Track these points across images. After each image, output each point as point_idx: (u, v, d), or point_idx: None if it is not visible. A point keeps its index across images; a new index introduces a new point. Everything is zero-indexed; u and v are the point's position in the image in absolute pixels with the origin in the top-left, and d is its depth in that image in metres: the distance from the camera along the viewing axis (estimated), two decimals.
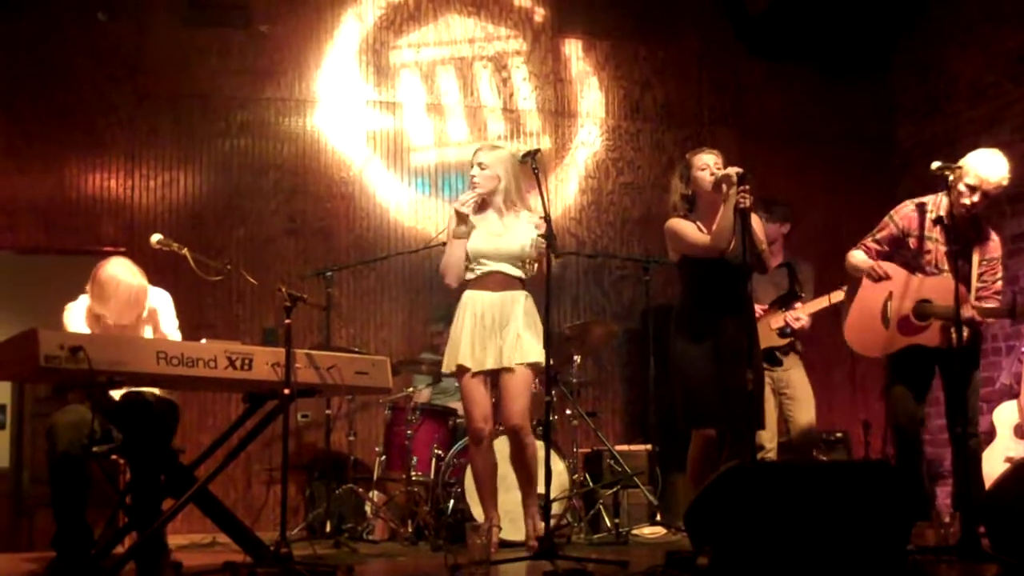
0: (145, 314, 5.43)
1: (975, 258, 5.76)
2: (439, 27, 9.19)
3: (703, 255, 5.43)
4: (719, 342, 5.34)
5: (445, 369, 5.82)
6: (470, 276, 5.77)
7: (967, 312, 5.61)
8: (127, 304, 5.28)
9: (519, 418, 5.66)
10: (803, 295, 6.79)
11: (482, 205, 5.85)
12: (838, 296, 6.45)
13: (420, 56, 9.12)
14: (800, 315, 6.67)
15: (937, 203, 5.84)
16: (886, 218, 6.00)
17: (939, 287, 5.63)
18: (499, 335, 5.66)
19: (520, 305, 5.74)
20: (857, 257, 6.03)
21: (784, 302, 6.71)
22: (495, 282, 5.73)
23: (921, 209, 5.90)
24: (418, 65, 9.11)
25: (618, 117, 9.47)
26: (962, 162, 5.69)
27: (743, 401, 5.12)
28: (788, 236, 7.16)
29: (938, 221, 5.78)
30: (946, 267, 5.70)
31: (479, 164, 5.84)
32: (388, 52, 9.05)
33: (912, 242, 5.87)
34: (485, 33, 9.27)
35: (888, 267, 5.89)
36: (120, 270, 5.29)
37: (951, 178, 5.56)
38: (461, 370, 5.69)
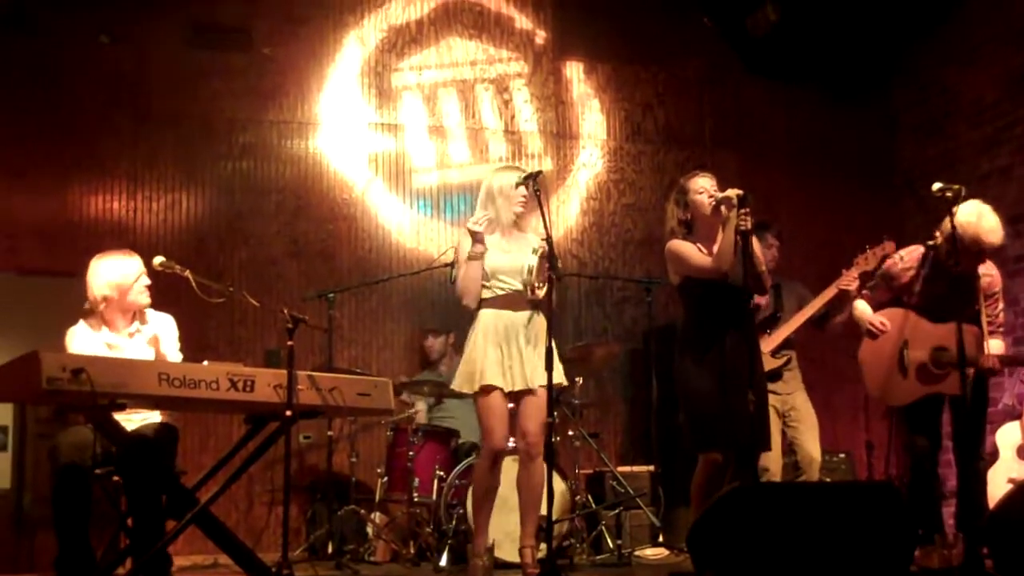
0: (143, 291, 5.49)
1: (980, 296, 5.72)
2: (441, 50, 9.22)
3: (706, 277, 5.41)
4: (724, 364, 5.32)
5: (466, 388, 5.64)
6: (487, 294, 5.67)
7: (987, 363, 5.60)
8: (123, 267, 5.40)
9: (538, 436, 5.62)
10: (781, 314, 6.78)
11: (490, 226, 5.79)
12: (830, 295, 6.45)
13: (422, 78, 9.16)
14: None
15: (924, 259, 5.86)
16: (877, 277, 6.02)
17: (954, 333, 5.59)
18: (525, 355, 5.60)
19: (536, 323, 5.68)
20: (859, 308, 6.08)
21: (765, 325, 6.71)
22: (515, 301, 5.65)
23: (924, 257, 5.88)
24: (420, 87, 9.14)
25: (619, 139, 9.50)
26: (963, 224, 5.63)
27: (747, 424, 5.11)
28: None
29: (935, 272, 5.77)
30: (944, 313, 5.68)
31: (525, 186, 5.79)
32: (390, 74, 9.08)
33: (909, 297, 5.86)
34: (487, 55, 9.31)
35: (895, 314, 5.85)
36: (104, 255, 5.47)
37: (949, 206, 5.56)
38: (487, 389, 5.59)
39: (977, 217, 5.65)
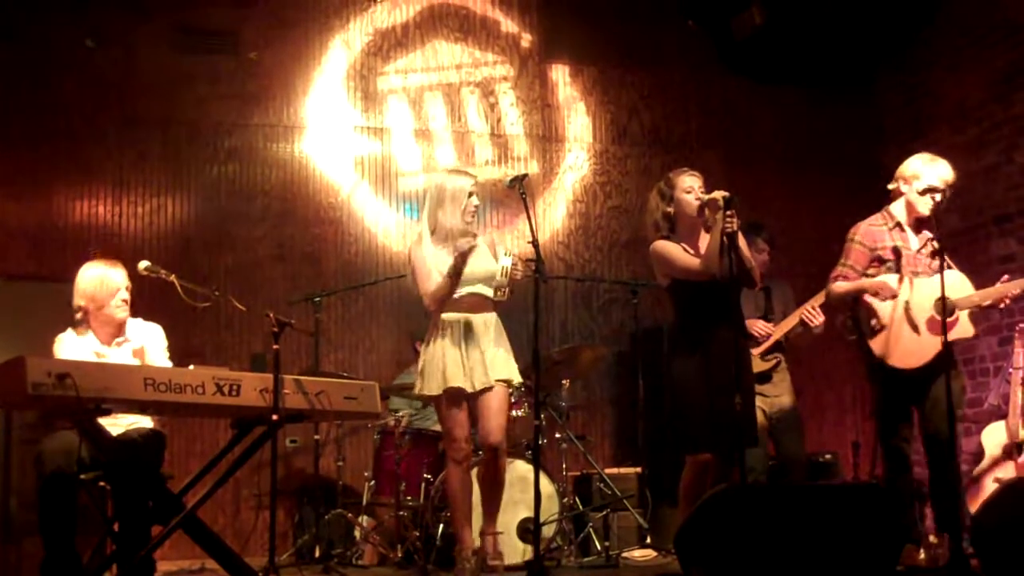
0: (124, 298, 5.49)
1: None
2: (426, 53, 9.22)
3: (693, 278, 5.42)
4: (711, 365, 5.33)
5: (430, 391, 5.67)
6: None
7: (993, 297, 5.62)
8: (101, 279, 5.43)
9: (499, 435, 5.64)
10: (772, 316, 6.83)
11: (439, 232, 5.81)
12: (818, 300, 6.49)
13: (408, 82, 9.15)
14: (761, 327, 6.72)
15: (890, 215, 5.87)
16: (847, 243, 5.92)
17: (947, 282, 5.59)
18: (478, 355, 5.63)
19: (494, 325, 5.74)
20: (844, 286, 5.88)
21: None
22: (471, 304, 5.70)
23: (879, 221, 5.92)
24: (406, 91, 9.14)
25: (605, 142, 9.51)
26: (915, 171, 5.84)
27: (734, 424, 5.12)
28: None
29: (896, 226, 5.81)
30: (920, 268, 5.70)
31: (476, 195, 5.81)
32: (376, 78, 9.08)
33: (884, 253, 5.84)
34: (472, 59, 9.31)
35: (888, 279, 5.83)
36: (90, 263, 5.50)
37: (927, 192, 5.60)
38: (450, 393, 5.60)
39: (935, 159, 5.90)
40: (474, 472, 5.86)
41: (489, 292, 5.73)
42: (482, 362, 5.62)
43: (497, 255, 5.71)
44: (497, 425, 5.64)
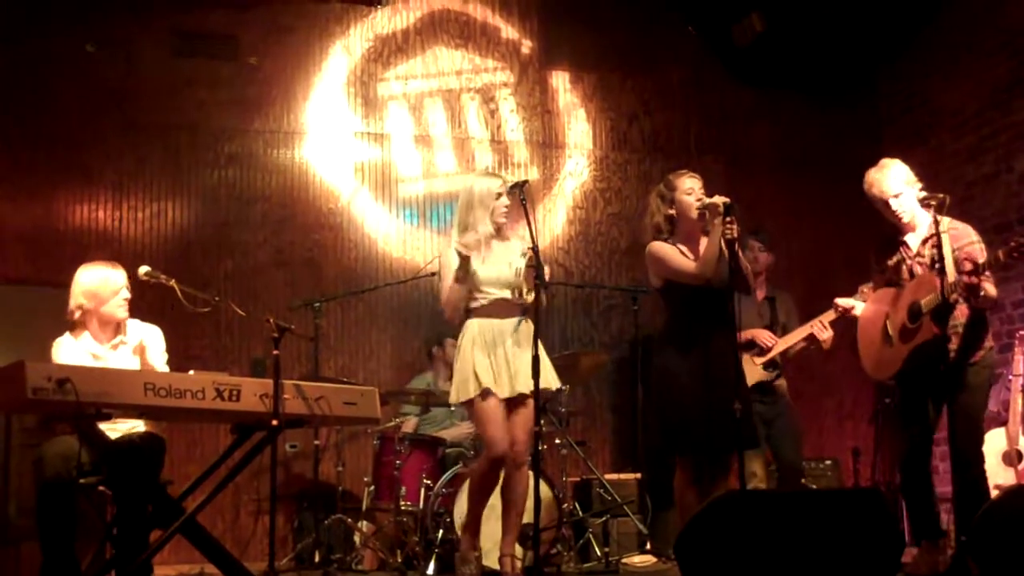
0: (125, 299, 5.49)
1: (948, 248, 5.62)
2: (427, 59, 9.23)
3: (687, 281, 5.41)
4: (709, 367, 5.32)
5: (463, 397, 5.62)
6: (474, 304, 5.67)
7: (962, 265, 5.46)
8: (102, 277, 5.43)
9: (526, 444, 5.60)
10: (776, 327, 6.83)
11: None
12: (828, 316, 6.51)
13: (408, 88, 9.16)
14: (767, 336, 6.71)
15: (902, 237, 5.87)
16: (875, 274, 5.98)
17: (920, 285, 5.55)
18: (514, 362, 5.58)
19: (523, 329, 5.66)
20: (844, 304, 6.25)
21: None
22: (502, 309, 5.66)
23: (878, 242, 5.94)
24: (406, 97, 9.14)
25: (605, 148, 9.51)
26: (866, 185, 5.80)
27: (730, 426, 5.11)
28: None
29: (893, 246, 5.79)
30: (919, 271, 5.67)
31: (505, 195, 5.79)
32: (376, 84, 9.08)
33: (890, 272, 5.83)
34: (473, 65, 9.31)
35: (883, 293, 5.81)
36: (89, 264, 5.51)
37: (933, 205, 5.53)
38: (486, 395, 5.55)
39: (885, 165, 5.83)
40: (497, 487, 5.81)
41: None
42: (509, 369, 5.59)
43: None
44: (524, 434, 5.60)
